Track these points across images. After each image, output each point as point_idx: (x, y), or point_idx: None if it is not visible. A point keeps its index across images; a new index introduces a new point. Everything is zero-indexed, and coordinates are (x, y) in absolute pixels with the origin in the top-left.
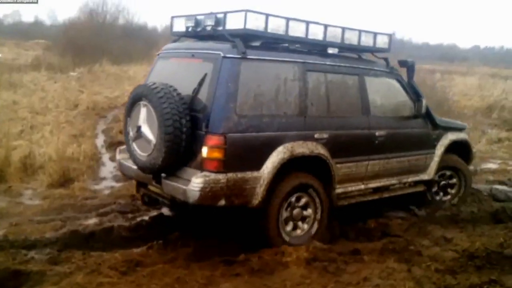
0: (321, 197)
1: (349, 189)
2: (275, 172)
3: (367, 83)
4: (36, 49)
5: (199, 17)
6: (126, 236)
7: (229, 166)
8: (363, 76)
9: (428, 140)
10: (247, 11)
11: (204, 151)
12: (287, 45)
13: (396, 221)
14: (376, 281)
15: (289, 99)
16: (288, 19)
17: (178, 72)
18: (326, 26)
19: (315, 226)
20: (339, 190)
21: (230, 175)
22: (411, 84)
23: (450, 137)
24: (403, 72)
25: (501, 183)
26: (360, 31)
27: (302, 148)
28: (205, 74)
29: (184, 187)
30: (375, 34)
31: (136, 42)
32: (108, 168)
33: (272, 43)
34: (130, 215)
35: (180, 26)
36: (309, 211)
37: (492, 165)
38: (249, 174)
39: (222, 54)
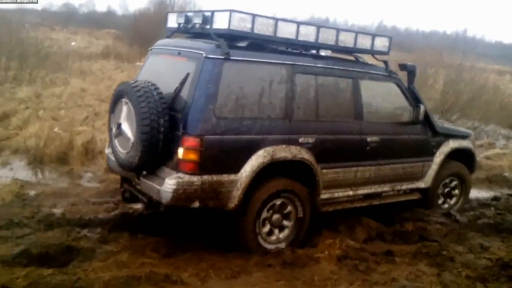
0: (304, 203)
1: (336, 195)
2: (253, 176)
3: (361, 87)
4: (106, 39)
5: (189, 14)
6: (170, 222)
7: (204, 168)
8: (357, 80)
9: (427, 147)
10: (231, 11)
11: (180, 152)
12: (276, 46)
13: (435, 226)
14: (403, 283)
15: (274, 102)
16: (277, 20)
17: (165, 70)
18: (319, 28)
19: (295, 231)
20: (324, 195)
21: (206, 177)
22: (411, 89)
23: (452, 144)
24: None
25: None
26: (356, 33)
27: (284, 152)
28: (187, 74)
29: (158, 187)
30: (374, 36)
31: None
32: None
33: (259, 44)
34: None
35: (173, 22)
36: (289, 217)
37: None
38: (225, 177)
39: (204, 54)
